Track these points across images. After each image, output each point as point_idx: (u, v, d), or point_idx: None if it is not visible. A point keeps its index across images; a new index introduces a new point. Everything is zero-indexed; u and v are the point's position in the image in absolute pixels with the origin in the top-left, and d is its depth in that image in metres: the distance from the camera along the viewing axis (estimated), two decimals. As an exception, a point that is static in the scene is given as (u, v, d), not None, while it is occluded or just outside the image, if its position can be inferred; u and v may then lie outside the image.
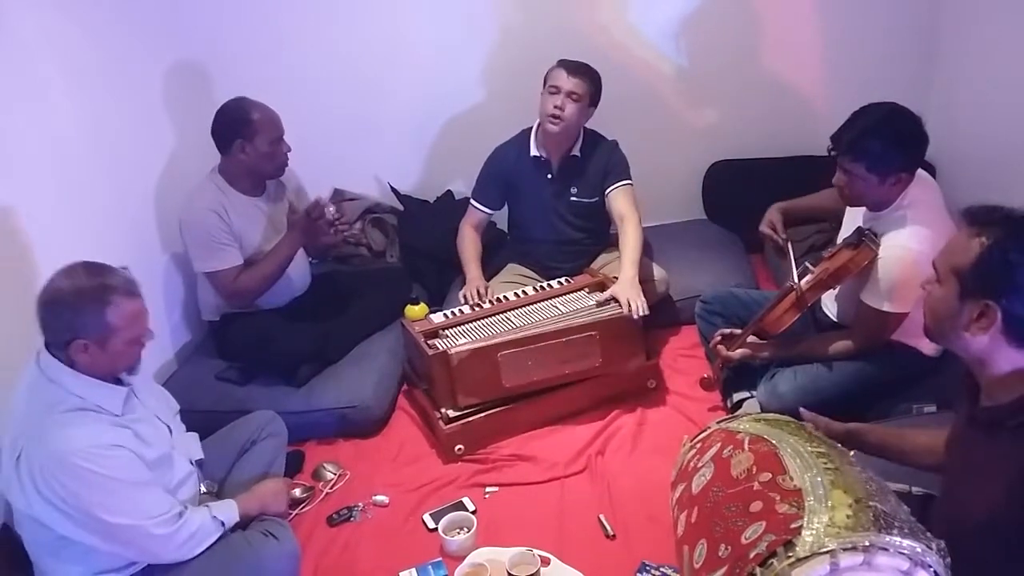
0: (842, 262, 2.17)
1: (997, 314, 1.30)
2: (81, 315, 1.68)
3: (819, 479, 1.35)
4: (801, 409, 1.79)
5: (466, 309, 2.73)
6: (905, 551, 1.21)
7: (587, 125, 2.85)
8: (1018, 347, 1.31)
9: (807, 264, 2.30)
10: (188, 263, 2.71)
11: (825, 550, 1.21)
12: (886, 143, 2.05)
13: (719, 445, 1.62)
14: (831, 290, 2.31)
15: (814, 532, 1.24)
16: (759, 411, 2.33)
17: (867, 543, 1.21)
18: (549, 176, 2.87)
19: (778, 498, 1.34)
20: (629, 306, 2.51)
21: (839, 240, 2.35)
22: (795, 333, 2.34)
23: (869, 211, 2.22)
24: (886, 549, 1.21)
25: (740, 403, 2.49)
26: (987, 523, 1.30)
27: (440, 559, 2.09)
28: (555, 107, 2.67)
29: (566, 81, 2.66)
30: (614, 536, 2.14)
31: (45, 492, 1.68)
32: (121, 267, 1.79)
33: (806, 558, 1.23)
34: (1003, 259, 1.29)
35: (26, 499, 1.70)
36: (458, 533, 2.13)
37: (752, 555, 1.28)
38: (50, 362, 1.74)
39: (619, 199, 2.79)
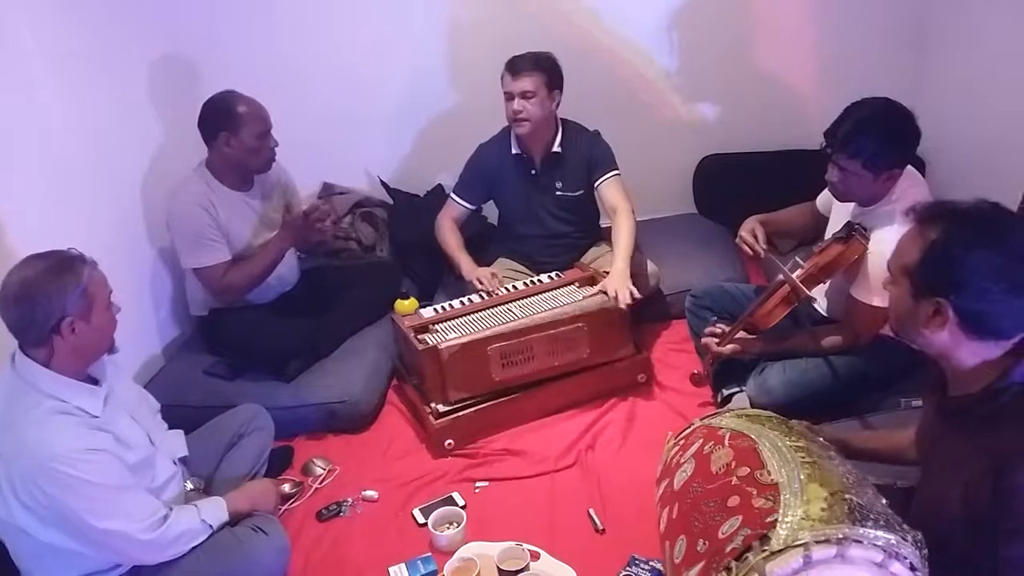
0: (832, 256, 2.17)
1: (949, 311, 1.29)
2: (61, 291, 1.65)
3: (796, 473, 1.35)
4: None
5: (456, 304, 2.73)
6: (879, 543, 1.21)
7: (570, 118, 2.84)
8: (978, 339, 1.30)
9: (797, 259, 2.30)
10: (176, 258, 2.70)
11: (798, 543, 1.22)
12: (880, 139, 2.04)
13: (701, 441, 1.62)
14: (821, 285, 2.31)
15: (788, 525, 1.24)
16: (748, 405, 2.33)
17: (840, 536, 1.21)
18: (533, 172, 2.86)
19: (755, 492, 1.35)
20: (617, 296, 2.51)
21: (828, 235, 2.35)
22: (785, 328, 2.34)
23: (859, 206, 2.21)
24: (860, 541, 1.21)
25: (730, 397, 2.50)
26: (961, 512, 1.29)
27: (430, 554, 2.09)
28: (514, 111, 2.67)
29: (514, 84, 2.65)
30: (604, 530, 2.14)
31: (24, 499, 1.65)
32: (67, 248, 1.76)
33: (780, 551, 1.23)
34: (946, 255, 1.28)
35: (6, 507, 1.67)
36: (448, 528, 2.13)
37: (728, 549, 1.29)
38: (27, 364, 1.70)
39: (609, 191, 2.78)
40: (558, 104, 2.76)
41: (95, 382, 1.82)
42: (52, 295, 1.65)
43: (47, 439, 1.64)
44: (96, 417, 1.75)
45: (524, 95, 2.65)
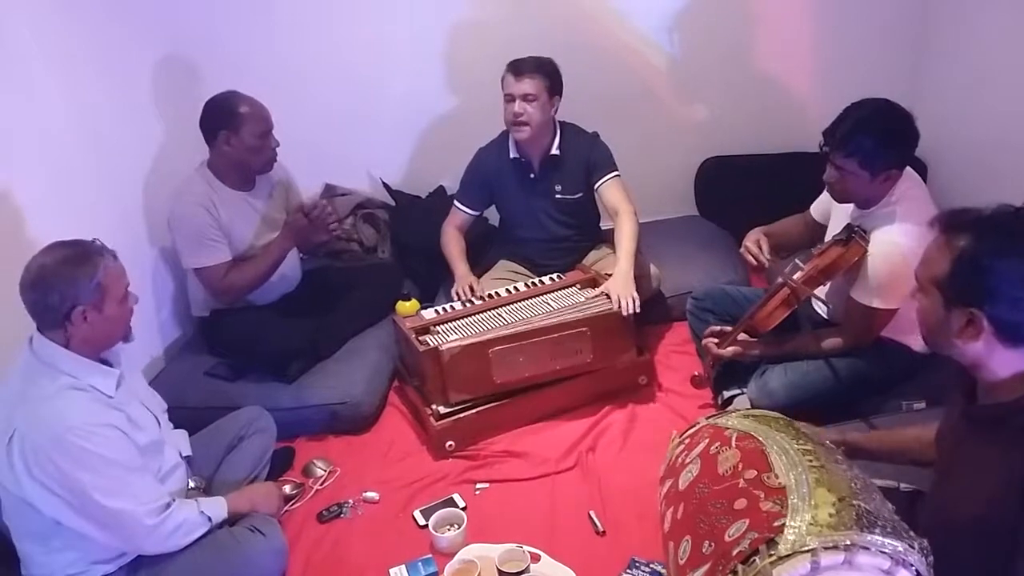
0: (832, 259, 2.17)
1: (983, 321, 1.27)
2: (74, 282, 1.69)
3: (804, 477, 1.34)
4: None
5: (457, 305, 2.73)
6: (886, 550, 1.21)
7: (571, 120, 2.84)
8: (1013, 347, 1.29)
9: (797, 261, 2.30)
10: (177, 258, 2.70)
11: (806, 549, 1.21)
12: (878, 139, 2.04)
13: (707, 441, 1.62)
14: (821, 287, 2.31)
15: (796, 530, 1.24)
16: (749, 408, 2.33)
17: (848, 542, 1.21)
18: (532, 176, 2.85)
19: (762, 496, 1.34)
20: (620, 302, 2.51)
21: (828, 237, 2.35)
22: (786, 330, 2.34)
23: (858, 208, 2.22)
24: (867, 548, 1.21)
25: (731, 400, 2.50)
26: (980, 520, 1.29)
27: (430, 555, 2.09)
28: (515, 114, 2.66)
29: (516, 86, 2.64)
30: (604, 532, 2.14)
31: (36, 472, 1.68)
32: (92, 239, 1.80)
33: (787, 556, 1.23)
34: (977, 266, 1.26)
35: (16, 480, 1.69)
36: (448, 529, 2.13)
37: (735, 552, 1.28)
38: (44, 344, 1.74)
39: (610, 192, 2.78)
40: (557, 110, 2.76)
41: (108, 365, 1.86)
42: (65, 284, 1.69)
43: (63, 411, 1.69)
44: (110, 397, 1.79)
45: (526, 98, 2.64)
